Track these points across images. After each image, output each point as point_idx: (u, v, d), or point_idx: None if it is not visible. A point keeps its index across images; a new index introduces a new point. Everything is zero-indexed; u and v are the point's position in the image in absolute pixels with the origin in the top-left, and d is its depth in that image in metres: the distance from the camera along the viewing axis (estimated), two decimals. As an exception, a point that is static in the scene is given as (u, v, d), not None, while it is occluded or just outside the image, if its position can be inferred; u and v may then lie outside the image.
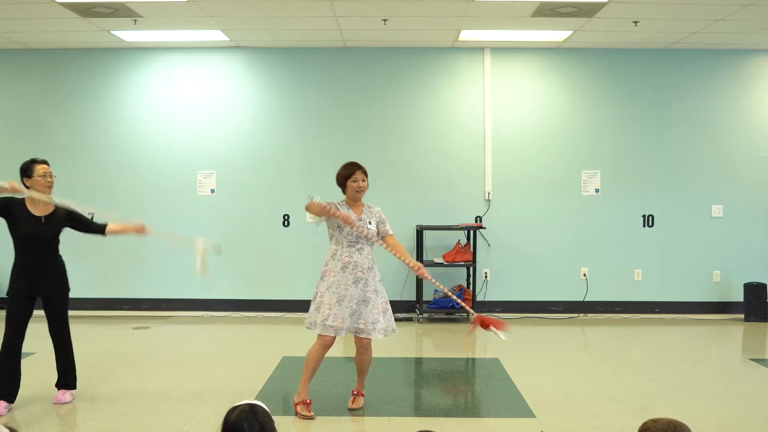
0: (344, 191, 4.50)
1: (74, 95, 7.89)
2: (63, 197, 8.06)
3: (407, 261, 4.35)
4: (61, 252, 4.61)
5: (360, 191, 4.45)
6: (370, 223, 4.43)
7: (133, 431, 4.05)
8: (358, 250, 4.35)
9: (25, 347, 6.01)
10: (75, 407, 4.47)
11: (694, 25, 6.83)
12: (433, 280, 4.46)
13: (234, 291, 7.86)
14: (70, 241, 7.71)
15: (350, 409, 4.46)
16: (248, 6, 6.30)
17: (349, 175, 4.46)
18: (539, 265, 7.87)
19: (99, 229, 4.75)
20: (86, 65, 7.87)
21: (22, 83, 7.92)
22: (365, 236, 4.34)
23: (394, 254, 4.39)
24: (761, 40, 7.46)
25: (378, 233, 4.46)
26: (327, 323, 4.26)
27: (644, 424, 2.03)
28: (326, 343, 4.33)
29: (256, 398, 4.44)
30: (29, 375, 5.19)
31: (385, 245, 4.42)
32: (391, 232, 4.50)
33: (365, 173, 4.50)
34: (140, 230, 4.68)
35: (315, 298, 4.37)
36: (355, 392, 4.57)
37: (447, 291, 4.59)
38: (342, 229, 4.34)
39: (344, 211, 4.37)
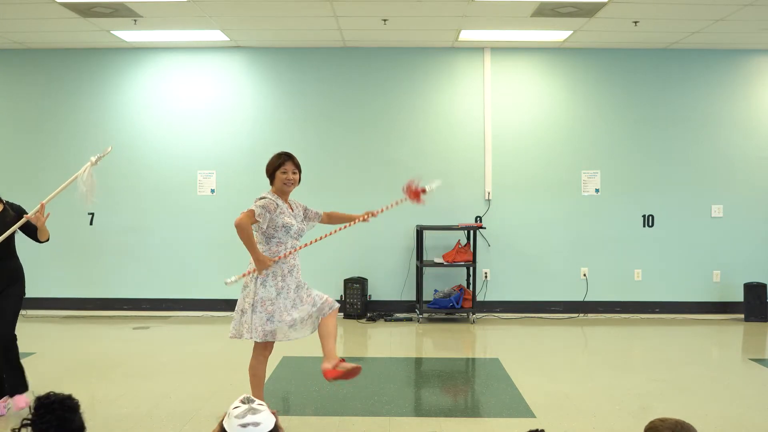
0: (272, 183, 4.17)
1: (74, 95, 7.89)
2: (62, 196, 8.08)
3: (355, 219, 4.26)
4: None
5: (288, 183, 4.12)
6: (303, 220, 4.25)
7: (133, 431, 4.05)
8: (298, 251, 4.20)
9: (25, 347, 6.05)
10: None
11: (694, 25, 6.83)
12: (383, 208, 4.26)
13: (234, 291, 7.79)
14: (70, 242, 7.75)
15: (336, 377, 4.00)
16: (248, 6, 6.30)
17: (278, 165, 4.13)
18: (539, 265, 7.87)
19: (35, 237, 4.32)
20: (86, 65, 7.87)
21: (22, 83, 7.92)
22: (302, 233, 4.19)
23: (343, 227, 4.28)
24: (761, 40, 7.46)
25: (314, 217, 4.31)
26: (291, 333, 4.05)
27: (651, 423, 2.02)
28: (269, 350, 4.13)
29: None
30: (29, 375, 5.20)
31: (332, 221, 4.31)
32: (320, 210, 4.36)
33: (297, 166, 4.18)
34: (40, 211, 4.18)
35: (257, 305, 3.99)
36: (342, 359, 4.07)
37: (395, 203, 4.29)
38: (289, 230, 4.07)
39: (279, 203, 4.09)
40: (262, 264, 4.00)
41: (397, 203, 4.28)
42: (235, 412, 1.92)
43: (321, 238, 4.29)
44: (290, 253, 4.06)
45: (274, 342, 4.12)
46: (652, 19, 6.58)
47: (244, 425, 1.89)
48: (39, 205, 4.17)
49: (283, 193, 4.15)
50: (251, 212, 3.99)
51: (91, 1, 6.08)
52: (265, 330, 3.99)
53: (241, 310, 4.07)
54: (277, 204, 4.06)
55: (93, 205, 4.15)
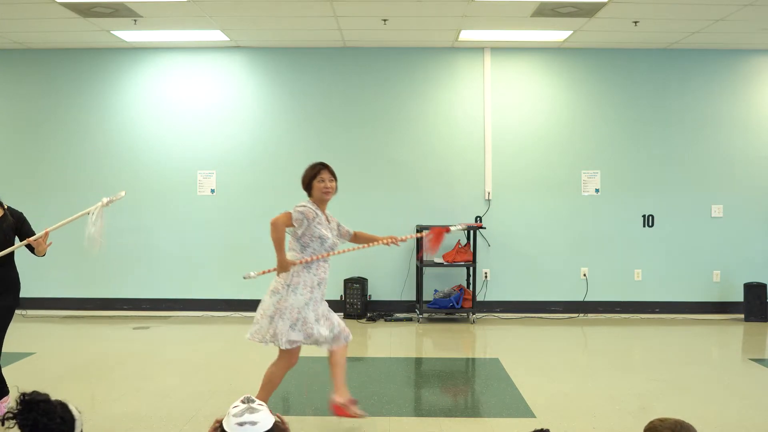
0: (310, 194, 4.15)
1: (74, 95, 7.89)
2: (63, 197, 8.08)
3: (380, 241, 4.26)
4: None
5: (327, 192, 4.11)
6: (337, 235, 4.23)
7: (133, 431, 4.05)
8: (329, 265, 4.17)
9: (25, 347, 6.06)
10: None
11: (694, 25, 6.83)
12: (408, 237, 4.49)
13: (234, 291, 7.85)
14: (70, 241, 7.74)
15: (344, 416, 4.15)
16: (248, 6, 6.30)
17: (314, 175, 4.11)
18: (539, 265, 7.87)
19: (30, 249, 4.18)
20: (86, 65, 7.87)
21: (22, 83, 7.92)
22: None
23: (369, 245, 4.32)
24: (761, 40, 7.46)
25: (345, 234, 4.30)
26: (312, 341, 4.08)
27: (651, 423, 2.02)
28: (295, 361, 4.14)
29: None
30: (29, 375, 5.21)
31: (357, 240, 4.34)
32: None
33: (333, 174, 4.16)
34: (43, 238, 4.08)
35: (285, 312, 3.97)
36: (354, 399, 4.22)
37: (419, 235, 4.55)
38: (324, 242, 4.05)
39: (318, 213, 4.06)
40: (283, 267, 3.99)
41: (420, 235, 4.56)
42: (233, 411, 1.94)
43: (344, 252, 4.30)
44: (312, 259, 4.02)
45: (299, 353, 4.12)
46: (652, 19, 6.58)
47: (241, 424, 1.91)
48: (43, 232, 4.08)
49: (321, 203, 4.14)
50: (288, 215, 4.00)
51: (91, 1, 6.08)
52: (290, 339, 3.97)
53: (270, 316, 4.01)
54: (316, 213, 4.05)
55: (100, 247, 4.07)
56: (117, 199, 4.12)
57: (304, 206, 4.03)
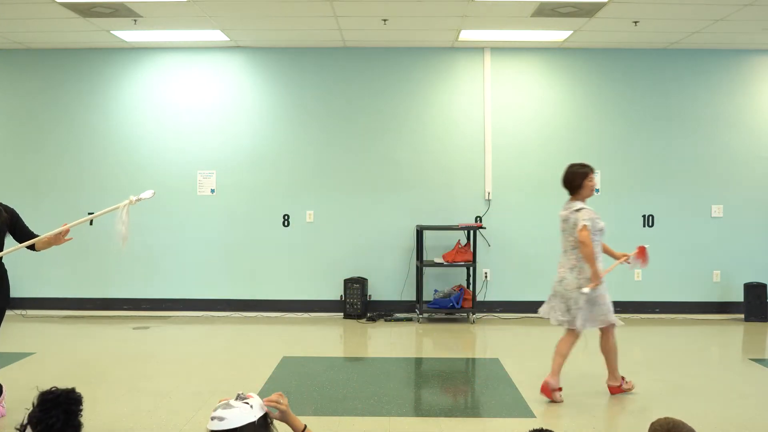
0: (577, 192, 4.73)
1: (74, 95, 7.89)
2: (63, 197, 8.08)
3: (619, 260, 4.79)
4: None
5: (593, 191, 4.77)
6: None
7: (133, 431, 4.05)
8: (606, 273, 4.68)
9: (25, 347, 6.06)
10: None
11: (694, 25, 6.83)
12: (632, 254, 4.87)
13: (234, 291, 7.86)
14: (70, 242, 7.73)
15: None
16: (248, 6, 6.30)
17: (585, 175, 4.70)
18: (539, 265, 7.84)
19: (30, 245, 4.08)
20: (86, 65, 7.87)
21: (22, 83, 7.92)
22: None
23: (615, 264, 4.85)
24: (761, 40, 7.46)
25: None
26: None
27: (657, 420, 2.09)
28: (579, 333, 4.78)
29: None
30: (29, 375, 5.21)
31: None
32: None
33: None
34: (64, 233, 4.04)
35: (597, 299, 4.57)
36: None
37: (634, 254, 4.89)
38: (604, 233, 4.63)
39: (590, 211, 4.62)
40: (598, 278, 4.50)
41: (635, 254, 4.91)
42: (217, 406, 2.00)
43: (610, 269, 4.79)
44: (611, 268, 4.70)
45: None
46: (652, 19, 6.58)
47: (212, 418, 1.96)
48: (64, 227, 4.01)
49: (584, 200, 4.67)
50: (586, 227, 4.51)
51: (91, 1, 6.08)
52: (609, 319, 4.64)
53: (581, 308, 4.59)
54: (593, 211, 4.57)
55: (126, 245, 4.05)
56: (145, 198, 4.08)
57: (587, 209, 4.59)
